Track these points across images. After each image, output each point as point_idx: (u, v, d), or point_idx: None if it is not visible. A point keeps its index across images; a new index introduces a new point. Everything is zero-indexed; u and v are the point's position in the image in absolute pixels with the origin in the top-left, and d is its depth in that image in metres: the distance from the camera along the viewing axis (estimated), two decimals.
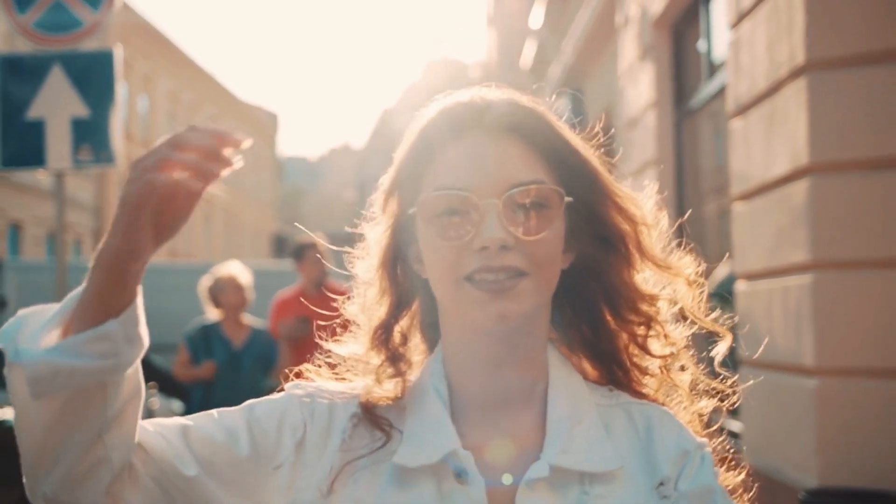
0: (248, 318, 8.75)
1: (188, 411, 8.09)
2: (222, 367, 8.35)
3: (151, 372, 15.17)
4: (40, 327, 1.50)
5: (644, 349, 1.70)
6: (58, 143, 8.14)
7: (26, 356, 1.44)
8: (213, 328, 8.55)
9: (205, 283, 8.75)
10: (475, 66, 53.20)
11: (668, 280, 1.70)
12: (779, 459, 6.29)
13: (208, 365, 8.34)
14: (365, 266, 1.71)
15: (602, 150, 1.68)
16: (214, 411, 1.65)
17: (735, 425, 7.47)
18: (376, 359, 1.67)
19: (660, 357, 1.71)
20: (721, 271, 7.32)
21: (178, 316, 20.23)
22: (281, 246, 57.01)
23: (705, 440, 1.68)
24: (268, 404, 1.67)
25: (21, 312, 1.54)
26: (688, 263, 1.71)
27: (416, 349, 1.74)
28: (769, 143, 6.33)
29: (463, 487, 1.53)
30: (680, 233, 1.74)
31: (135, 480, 1.55)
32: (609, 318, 1.68)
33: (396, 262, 1.67)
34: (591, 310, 1.68)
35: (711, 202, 9.07)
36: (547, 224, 1.53)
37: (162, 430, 1.61)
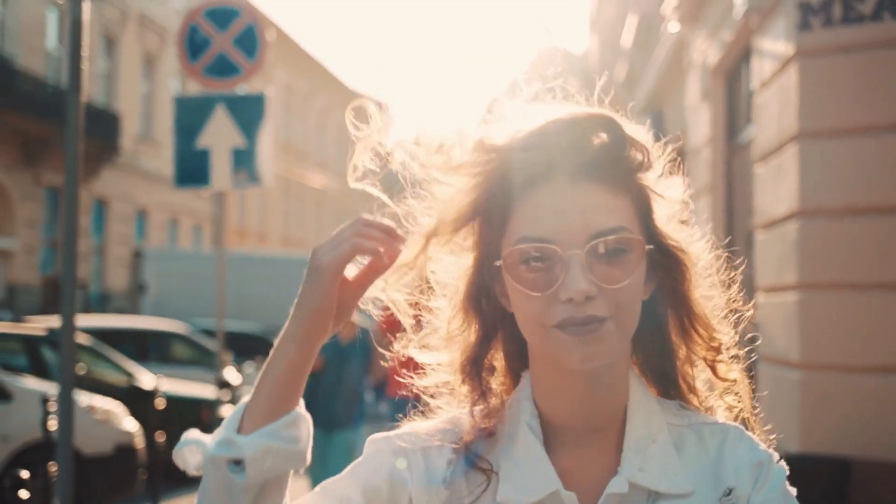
0: (358, 318, 9.87)
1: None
2: (330, 360, 8.98)
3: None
4: (219, 434, 1.52)
5: (714, 370, 1.71)
6: (221, 167, 10.17)
7: (239, 441, 1.48)
8: None
9: None
10: (581, 62, 53.37)
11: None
12: (776, 431, 8.16)
13: (317, 358, 9.68)
14: (448, 297, 1.70)
15: (678, 168, 1.69)
16: (319, 488, 1.64)
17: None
18: (468, 396, 1.69)
19: (725, 380, 1.73)
20: None
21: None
22: None
23: (775, 453, 1.69)
24: (369, 465, 1.65)
25: (184, 436, 1.55)
26: (723, 335, 1.71)
27: (497, 378, 1.74)
28: (776, 189, 8.22)
29: None
30: (728, 255, 1.80)
31: None
32: (674, 340, 1.69)
33: (482, 295, 1.66)
34: (659, 333, 1.69)
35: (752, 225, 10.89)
36: (629, 271, 1.52)
37: None
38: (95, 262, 32.92)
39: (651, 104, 17.19)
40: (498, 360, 1.73)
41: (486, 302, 1.66)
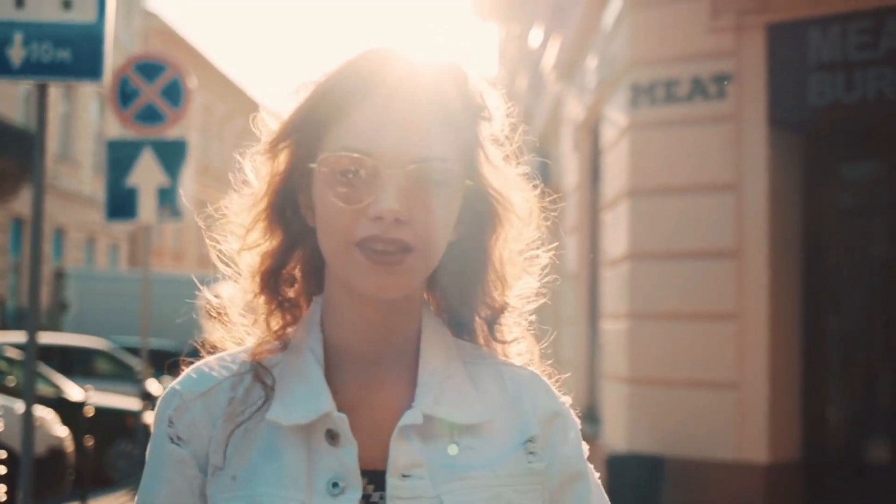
0: None
1: None
2: None
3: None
4: None
5: (492, 331, 1.66)
6: (147, 204, 11.48)
7: None
8: None
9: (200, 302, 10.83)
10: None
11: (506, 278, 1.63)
12: (613, 436, 9.86)
13: None
14: (248, 204, 1.60)
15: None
16: None
17: (601, 415, 11.06)
18: (264, 306, 1.61)
19: (503, 342, 1.67)
20: None
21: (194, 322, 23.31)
22: None
23: (569, 400, 1.65)
24: (162, 483, 1.53)
25: None
26: (528, 281, 1.66)
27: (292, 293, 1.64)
28: (615, 234, 9.94)
29: (333, 449, 1.48)
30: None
31: None
32: (476, 292, 1.63)
33: (286, 205, 1.57)
34: (459, 279, 1.62)
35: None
36: (444, 204, 1.47)
37: None
38: (13, 279, 33.19)
39: (540, 145, 18.81)
40: (296, 276, 1.64)
41: (290, 213, 1.58)
